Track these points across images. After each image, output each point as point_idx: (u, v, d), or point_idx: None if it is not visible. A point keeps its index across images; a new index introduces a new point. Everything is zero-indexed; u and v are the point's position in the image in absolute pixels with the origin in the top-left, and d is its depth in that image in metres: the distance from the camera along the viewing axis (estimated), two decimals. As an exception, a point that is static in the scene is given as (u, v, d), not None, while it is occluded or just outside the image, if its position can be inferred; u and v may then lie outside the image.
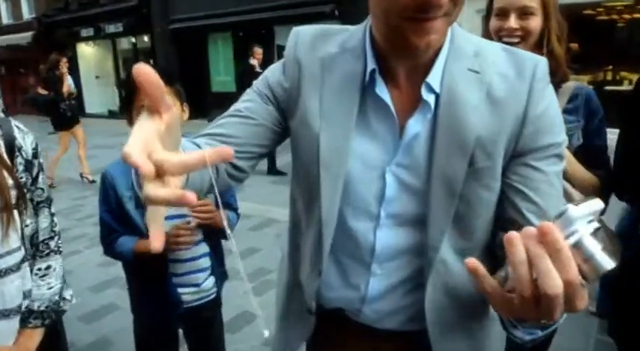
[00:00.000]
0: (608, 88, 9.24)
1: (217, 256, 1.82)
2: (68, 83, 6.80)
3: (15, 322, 1.26)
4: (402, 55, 0.84)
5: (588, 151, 1.46)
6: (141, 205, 1.60)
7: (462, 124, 0.84)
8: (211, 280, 1.81)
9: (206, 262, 1.79)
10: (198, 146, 0.84)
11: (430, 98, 0.85)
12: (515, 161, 0.86)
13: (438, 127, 0.85)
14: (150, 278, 1.72)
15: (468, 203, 0.87)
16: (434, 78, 0.85)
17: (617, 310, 1.60)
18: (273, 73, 0.97)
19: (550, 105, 0.86)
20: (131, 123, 1.59)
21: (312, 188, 0.93)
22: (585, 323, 2.85)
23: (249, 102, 0.95)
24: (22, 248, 1.25)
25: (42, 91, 6.85)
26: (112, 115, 15.35)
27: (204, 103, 11.33)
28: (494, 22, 1.45)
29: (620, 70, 9.72)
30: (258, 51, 7.38)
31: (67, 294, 1.45)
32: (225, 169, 0.91)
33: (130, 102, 1.57)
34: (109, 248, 1.71)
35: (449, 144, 0.85)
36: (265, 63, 11.25)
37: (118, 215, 1.68)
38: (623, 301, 1.54)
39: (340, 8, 10.12)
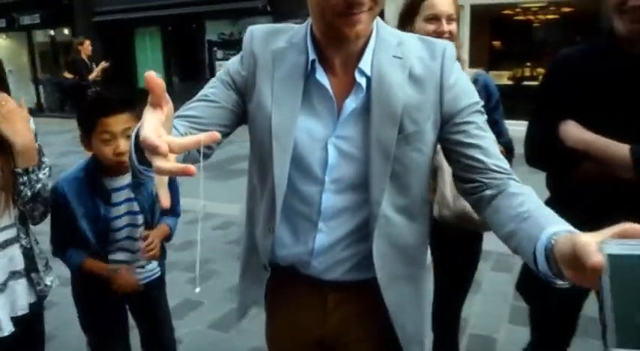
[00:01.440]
0: (526, 83, 10.01)
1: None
2: (97, 68, 6.81)
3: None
4: (337, 45, 1.07)
5: (490, 124, 1.76)
6: (93, 219, 1.75)
7: (390, 99, 1.06)
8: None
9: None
10: (175, 127, 1.01)
11: (362, 81, 1.08)
12: (450, 123, 1.10)
13: (372, 103, 1.07)
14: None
15: (402, 164, 1.09)
16: (365, 64, 1.07)
17: (525, 267, 1.90)
18: (233, 63, 1.17)
19: (459, 76, 1.11)
20: (89, 147, 1.75)
21: (266, 159, 1.13)
22: (504, 291, 3.22)
23: (214, 88, 1.14)
24: (15, 227, 1.39)
25: (68, 75, 6.74)
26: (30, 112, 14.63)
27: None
28: (426, 27, 1.74)
29: (537, 66, 10.50)
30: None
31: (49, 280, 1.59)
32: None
33: (90, 130, 1.69)
34: (58, 254, 1.84)
35: (381, 116, 1.07)
36: (197, 58, 11.16)
37: (69, 230, 1.77)
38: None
39: (272, 4, 10.27)
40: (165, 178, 0.71)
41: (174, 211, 1.99)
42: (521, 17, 11.06)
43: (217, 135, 0.69)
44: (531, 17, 11.06)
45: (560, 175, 1.61)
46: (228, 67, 1.17)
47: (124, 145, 1.67)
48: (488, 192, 1.06)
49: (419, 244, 1.22)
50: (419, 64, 1.09)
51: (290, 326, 1.30)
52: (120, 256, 1.85)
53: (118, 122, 1.66)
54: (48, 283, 1.68)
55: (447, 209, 1.75)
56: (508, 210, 0.98)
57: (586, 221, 1.28)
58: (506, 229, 0.96)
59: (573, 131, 1.50)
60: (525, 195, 0.99)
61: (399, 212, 1.14)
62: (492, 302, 3.20)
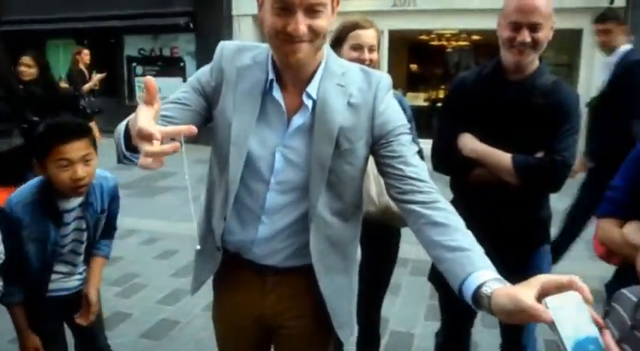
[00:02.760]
0: (440, 104, 10.77)
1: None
2: (92, 77, 6.55)
3: None
4: (285, 68, 1.32)
5: None
6: (41, 241, 1.83)
7: (330, 121, 1.31)
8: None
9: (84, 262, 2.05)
10: None
11: (309, 103, 1.32)
12: (379, 142, 1.34)
13: (315, 122, 1.31)
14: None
15: (336, 175, 1.34)
16: (312, 89, 1.31)
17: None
18: (203, 74, 1.39)
19: (389, 103, 1.37)
20: (42, 172, 1.80)
21: (224, 160, 1.37)
22: (421, 292, 3.58)
23: (186, 93, 1.35)
24: None
25: (63, 85, 6.44)
26: None
27: None
28: (351, 54, 2.03)
29: (451, 89, 11.33)
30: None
31: None
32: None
33: (45, 155, 1.74)
34: (3, 282, 1.80)
35: (321, 134, 1.31)
36: (115, 74, 10.94)
37: (15, 249, 1.79)
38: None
39: (194, 22, 10.38)
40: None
41: (112, 231, 2.12)
42: (435, 43, 11.94)
43: (194, 129, 0.92)
44: (445, 43, 11.97)
45: (459, 178, 1.97)
46: (199, 76, 1.39)
47: (82, 171, 1.74)
48: (414, 206, 1.26)
49: (351, 242, 1.50)
50: (357, 94, 1.34)
51: (233, 305, 1.53)
52: (61, 268, 1.98)
53: (75, 149, 1.73)
54: None
55: (373, 205, 2.04)
56: (434, 237, 1.19)
57: (479, 215, 1.66)
58: (432, 252, 1.19)
59: (468, 142, 1.86)
60: (450, 227, 1.19)
61: (334, 214, 1.40)
62: (410, 302, 3.56)
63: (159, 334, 3.20)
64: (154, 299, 3.66)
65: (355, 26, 2.03)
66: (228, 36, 9.97)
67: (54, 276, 1.96)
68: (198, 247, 1.34)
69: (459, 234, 1.19)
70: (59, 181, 1.76)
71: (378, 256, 2.22)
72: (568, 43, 9.09)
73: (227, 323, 1.58)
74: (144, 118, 0.91)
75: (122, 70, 11.68)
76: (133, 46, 11.51)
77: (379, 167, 1.38)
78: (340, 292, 1.48)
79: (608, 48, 3.68)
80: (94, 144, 1.82)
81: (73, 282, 2.04)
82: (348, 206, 1.42)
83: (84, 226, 1.93)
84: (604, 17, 3.75)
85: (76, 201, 1.88)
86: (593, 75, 8.36)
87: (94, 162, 1.81)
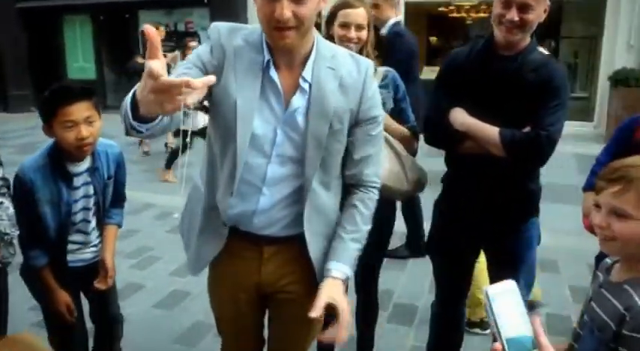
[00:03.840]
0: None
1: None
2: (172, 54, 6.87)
3: None
4: (277, 52, 1.43)
5: (399, 111, 2.24)
6: (56, 203, 1.97)
7: (325, 102, 1.45)
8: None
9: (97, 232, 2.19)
10: None
11: (305, 86, 1.45)
12: (356, 124, 1.52)
13: (311, 104, 1.45)
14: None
15: (327, 151, 1.50)
16: (307, 73, 1.45)
17: (428, 237, 2.33)
18: (204, 53, 1.46)
19: (375, 91, 1.56)
20: (50, 134, 1.93)
21: (228, 135, 1.47)
22: (426, 269, 3.68)
23: (189, 69, 1.43)
24: None
25: (140, 60, 6.75)
26: None
27: None
28: (339, 31, 2.14)
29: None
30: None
31: (5, 225, 1.85)
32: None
33: (51, 117, 1.88)
34: (23, 249, 2.02)
35: (317, 114, 1.46)
36: (130, 49, 11.08)
37: (32, 215, 1.95)
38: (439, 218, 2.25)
39: (210, -5, 10.41)
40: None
41: (121, 200, 2.26)
42: (455, 15, 11.81)
43: (212, 78, 1.02)
44: (464, 15, 11.83)
45: (450, 151, 2.05)
46: (200, 54, 1.47)
47: (86, 131, 1.87)
48: (353, 188, 1.60)
49: (333, 209, 1.62)
50: (347, 76, 1.49)
51: (232, 275, 1.66)
52: (77, 237, 2.12)
53: (79, 110, 1.86)
54: (11, 251, 1.91)
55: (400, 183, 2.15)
56: (344, 214, 1.60)
57: (472, 187, 1.77)
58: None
59: (459, 116, 1.93)
60: (355, 217, 1.58)
61: (321, 185, 1.54)
62: (415, 278, 3.66)
63: (171, 304, 3.38)
64: (167, 271, 3.83)
65: (344, 5, 2.13)
66: (242, 9, 10.00)
67: (70, 246, 2.10)
68: (176, 215, 1.46)
69: (350, 220, 1.58)
70: (65, 142, 1.89)
71: (376, 229, 2.33)
72: (590, 15, 8.93)
73: (226, 292, 1.70)
74: (155, 65, 0.99)
75: (137, 46, 11.80)
76: (147, 21, 11.60)
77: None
78: (325, 255, 1.61)
79: (379, 22, 3.88)
80: (97, 107, 1.95)
81: (88, 254, 2.17)
82: (332, 177, 1.57)
83: (92, 191, 2.07)
84: None
85: (83, 165, 2.02)
86: (616, 47, 8.22)
87: (97, 124, 1.93)
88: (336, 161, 1.56)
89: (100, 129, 1.97)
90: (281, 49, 1.40)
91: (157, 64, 0.99)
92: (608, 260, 1.36)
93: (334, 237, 1.58)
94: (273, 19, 1.32)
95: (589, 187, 1.69)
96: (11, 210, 1.87)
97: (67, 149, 1.93)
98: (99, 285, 2.14)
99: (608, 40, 8.46)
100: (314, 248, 1.58)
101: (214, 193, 1.58)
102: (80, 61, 12.42)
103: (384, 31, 3.85)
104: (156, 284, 3.66)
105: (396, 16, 3.95)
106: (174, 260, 3.95)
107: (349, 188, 1.62)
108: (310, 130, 1.46)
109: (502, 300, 0.93)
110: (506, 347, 0.90)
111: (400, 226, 2.44)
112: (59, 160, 1.96)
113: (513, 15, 1.76)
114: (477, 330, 2.97)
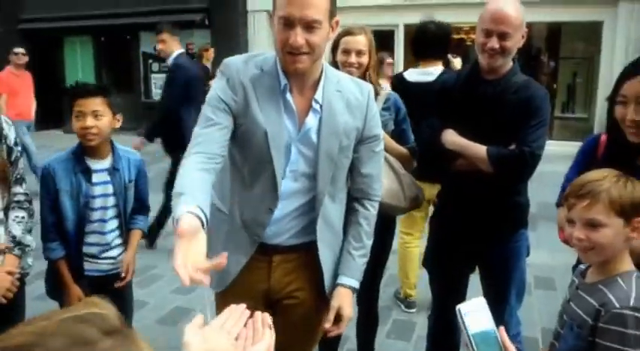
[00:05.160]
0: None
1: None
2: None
3: None
4: (291, 77, 1.62)
5: (399, 132, 2.45)
6: (75, 195, 2.18)
7: (335, 121, 1.66)
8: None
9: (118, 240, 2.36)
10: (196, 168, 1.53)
11: (317, 107, 1.66)
12: (361, 142, 1.72)
13: (322, 123, 1.66)
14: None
15: (337, 166, 1.70)
16: (318, 95, 1.66)
17: (425, 250, 2.49)
18: (222, 91, 1.63)
19: (376, 112, 1.78)
20: (72, 126, 2.18)
21: (262, 158, 1.64)
22: (425, 282, 3.81)
23: (213, 114, 1.61)
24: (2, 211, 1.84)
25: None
26: None
27: (58, 112, 10.99)
28: (341, 57, 2.37)
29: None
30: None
31: (29, 239, 2.03)
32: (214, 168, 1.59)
33: (70, 110, 2.16)
34: (44, 239, 2.24)
35: (329, 132, 1.66)
36: (131, 70, 11.29)
37: (53, 206, 2.19)
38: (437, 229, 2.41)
39: (210, 18, 10.70)
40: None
41: (144, 207, 2.44)
42: (453, 36, 12.08)
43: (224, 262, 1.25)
44: (463, 36, 12.11)
45: (444, 169, 2.23)
46: (219, 95, 1.64)
47: (90, 121, 2.11)
48: (356, 201, 1.81)
49: (338, 219, 1.81)
50: (352, 98, 1.70)
51: (240, 284, 1.80)
52: (93, 238, 2.27)
53: (89, 103, 2.11)
54: (29, 262, 2.09)
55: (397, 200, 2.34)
56: (348, 228, 1.81)
57: (464, 202, 1.95)
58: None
59: (450, 137, 2.12)
60: (360, 230, 1.79)
61: (328, 196, 1.73)
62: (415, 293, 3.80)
63: (174, 320, 3.51)
64: (169, 289, 3.97)
65: (346, 33, 2.36)
66: (243, 32, 10.30)
67: (87, 249, 2.23)
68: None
69: (357, 237, 1.80)
70: (75, 130, 2.15)
71: (377, 243, 2.48)
72: (588, 36, 9.19)
73: (235, 301, 1.84)
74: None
75: (138, 67, 12.09)
76: (148, 43, 11.86)
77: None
78: (332, 262, 1.80)
79: (165, 54, 4.82)
80: (109, 106, 2.19)
81: (105, 265, 2.31)
82: (338, 190, 1.76)
83: (111, 190, 2.25)
84: (159, 30, 4.83)
85: (104, 164, 2.24)
86: (613, 67, 8.46)
87: (105, 119, 2.16)
88: (343, 175, 1.76)
89: (109, 125, 2.20)
90: (293, 72, 1.59)
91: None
92: (582, 266, 1.54)
93: (342, 253, 1.80)
94: (288, 45, 1.52)
95: (560, 202, 1.87)
96: (30, 224, 2.04)
97: (78, 136, 2.17)
98: (118, 284, 2.28)
99: (606, 60, 8.70)
100: (324, 256, 1.77)
101: (243, 212, 1.74)
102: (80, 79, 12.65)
103: (169, 61, 4.78)
104: (158, 301, 3.79)
105: (179, 48, 4.82)
106: (176, 278, 4.07)
107: (354, 202, 1.81)
108: (322, 147, 1.66)
109: (473, 316, 1.06)
110: (473, 344, 1.03)
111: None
112: (81, 156, 2.20)
113: (494, 43, 1.96)
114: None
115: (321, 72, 1.67)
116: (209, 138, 1.59)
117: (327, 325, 1.70)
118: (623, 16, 8.42)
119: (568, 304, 1.48)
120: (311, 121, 1.66)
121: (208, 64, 7.64)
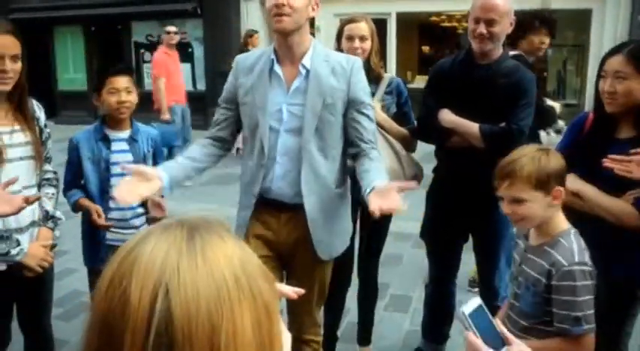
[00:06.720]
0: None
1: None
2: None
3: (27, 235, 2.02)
4: (280, 49, 1.93)
5: (402, 114, 2.68)
6: (96, 161, 2.42)
7: (320, 83, 1.95)
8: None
9: (140, 209, 2.55)
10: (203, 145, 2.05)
11: (303, 71, 1.94)
12: (351, 106, 2.00)
13: (309, 84, 1.93)
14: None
15: (321, 121, 1.97)
16: (306, 61, 1.94)
17: (422, 224, 2.71)
18: (229, 83, 2.11)
19: (362, 81, 2.03)
20: (98, 101, 2.43)
21: (255, 123, 1.96)
22: (420, 263, 4.05)
23: (223, 111, 2.12)
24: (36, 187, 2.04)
25: None
26: None
27: (50, 103, 11.04)
28: (345, 44, 2.58)
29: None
30: None
31: (59, 213, 2.21)
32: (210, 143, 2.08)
33: (101, 86, 2.42)
34: (65, 194, 2.49)
35: (314, 92, 1.96)
36: (123, 60, 11.37)
37: (77, 171, 2.49)
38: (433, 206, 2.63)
39: (202, 7, 10.80)
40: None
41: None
42: (446, 24, 12.30)
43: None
44: (456, 24, 12.32)
45: (440, 146, 2.46)
46: (228, 87, 2.10)
47: (125, 96, 2.40)
48: (360, 152, 2.02)
49: (331, 173, 2.04)
50: (338, 66, 1.98)
51: (256, 237, 2.06)
52: (115, 214, 2.46)
53: (121, 81, 2.41)
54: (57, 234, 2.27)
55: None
56: (361, 166, 1.97)
57: (456, 177, 2.18)
58: (359, 176, 1.97)
59: (446, 116, 2.34)
60: (373, 163, 1.95)
61: (318, 150, 1.98)
62: (410, 272, 4.04)
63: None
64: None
65: (349, 21, 2.59)
66: (236, 21, 10.42)
67: (111, 214, 2.41)
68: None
69: (372, 167, 1.94)
70: (108, 104, 2.42)
71: (371, 236, 2.72)
72: (578, 23, 9.43)
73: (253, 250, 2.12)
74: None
75: (130, 57, 12.16)
76: (140, 33, 11.97)
77: (346, 129, 2.05)
78: (322, 218, 2.02)
79: None
80: (134, 83, 2.49)
81: (129, 236, 2.49)
82: (328, 145, 2.00)
83: (130, 158, 2.48)
84: None
85: (123, 134, 2.50)
86: (602, 54, 8.67)
87: (133, 94, 2.46)
88: (331, 132, 2.00)
89: (136, 99, 2.48)
90: (278, 32, 1.90)
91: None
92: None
93: (361, 178, 1.93)
94: (274, 8, 1.83)
95: None
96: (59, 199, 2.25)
97: (109, 113, 2.44)
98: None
99: (595, 47, 8.94)
100: (309, 205, 1.99)
101: (246, 172, 2.06)
102: (71, 72, 12.68)
103: None
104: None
105: None
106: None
107: (360, 158, 2.01)
108: (308, 103, 1.95)
109: (474, 314, 1.18)
110: (470, 322, 1.17)
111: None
112: (101, 127, 2.49)
113: (482, 29, 2.18)
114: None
115: (309, 46, 1.97)
116: (215, 129, 2.11)
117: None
118: (612, 3, 8.65)
119: (520, 267, 1.69)
120: (297, 83, 1.96)
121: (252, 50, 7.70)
